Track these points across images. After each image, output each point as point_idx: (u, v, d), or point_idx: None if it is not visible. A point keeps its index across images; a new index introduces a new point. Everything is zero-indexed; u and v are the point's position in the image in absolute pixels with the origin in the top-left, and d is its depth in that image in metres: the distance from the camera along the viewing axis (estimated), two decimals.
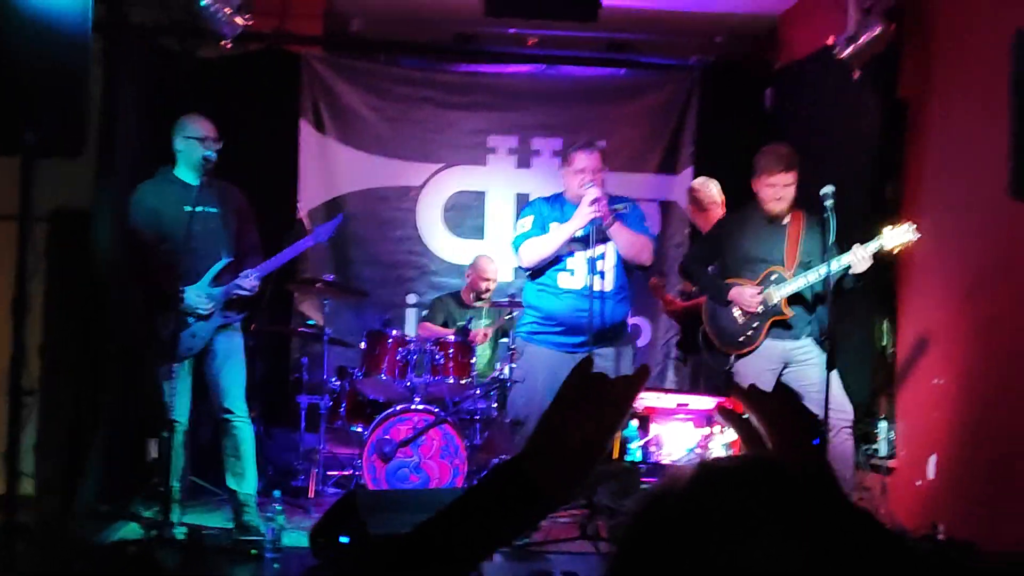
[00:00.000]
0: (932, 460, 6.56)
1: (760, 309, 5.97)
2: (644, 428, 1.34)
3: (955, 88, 6.56)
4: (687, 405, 1.39)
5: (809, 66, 8.07)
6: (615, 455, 1.38)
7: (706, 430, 1.39)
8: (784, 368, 6.06)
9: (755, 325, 6.01)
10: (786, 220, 6.12)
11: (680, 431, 1.33)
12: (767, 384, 6.04)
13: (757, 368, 6.03)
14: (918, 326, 6.91)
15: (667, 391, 1.47)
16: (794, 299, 6.01)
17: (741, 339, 6.06)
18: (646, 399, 1.41)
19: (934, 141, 6.79)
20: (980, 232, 6.19)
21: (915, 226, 5.81)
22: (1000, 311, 6.02)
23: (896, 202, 7.12)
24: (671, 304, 7.59)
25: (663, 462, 1.36)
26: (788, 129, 8.17)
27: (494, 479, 1.22)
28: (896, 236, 5.80)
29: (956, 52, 6.56)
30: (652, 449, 1.35)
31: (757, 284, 6.02)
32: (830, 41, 7.17)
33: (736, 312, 6.05)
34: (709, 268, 6.38)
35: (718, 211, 7.27)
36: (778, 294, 5.96)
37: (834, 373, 5.76)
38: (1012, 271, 5.89)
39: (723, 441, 1.38)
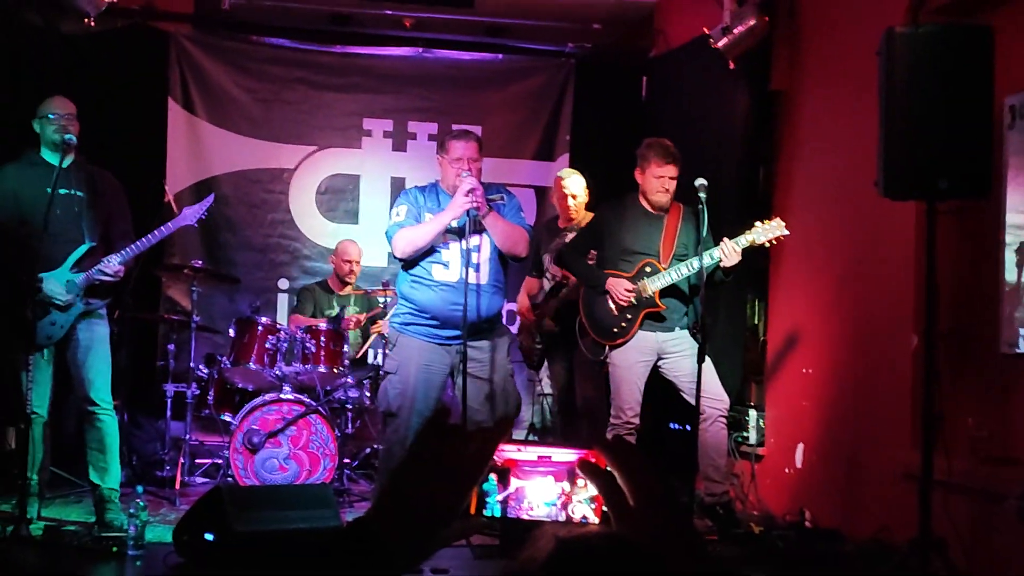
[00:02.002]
0: (800, 448, 6.69)
1: (634, 301, 5.99)
2: (504, 482, 1.30)
3: (825, 83, 6.67)
4: (549, 458, 1.35)
5: (684, 55, 8.12)
6: (472, 510, 1.34)
7: (567, 485, 1.35)
8: (658, 360, 6.10)
9: (629, 317, 6.03)
10: (664, 212, 6.15)
11: (541, 485, 1.30)
12: (642, 373, 6.07)
13: (631, 359, 6.06)
14: (788, 315, 7.02)
15: (528, 443, 1.44)
16: (668, 291, 6.04)
17: (615, 330, 6.08)
18: (506, 451, 1.37)
19: (805, 134, 6.90)
20: (849, 227, 6.31)
21: (784, 223, 5.89)
22: (867, 305, 6.14)
23: (768, 194, 7.22)
24: (529, 315, 7.38)
25: (523, 517, 1.32)
26: (663, 119, 8.22)
27: (344, 540, 1.15)
28: (766, 231, 5.88)
29: (827, 47, 6.66)
30: (512, 504, 1.31)
31: (632, 276, 6.04)
32: (706, 31, 7.22)
33: (611, 303, 6.06)
34: (589, 258, 6.38)
35: (564, 201, 7.19)
36: (652, 286, 5.99)
37: (709, 363, 5.82)
38: (879, 267, 6.02)
39: (585, 496, 1.35)
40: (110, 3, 7.04)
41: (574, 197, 7.13)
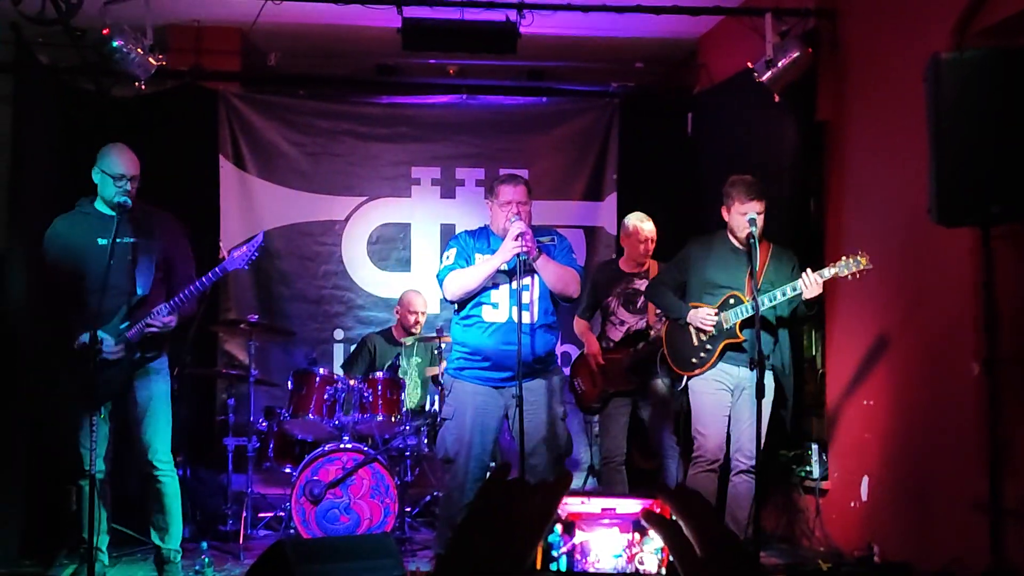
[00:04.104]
0: (865, 481, 6.59)
1: (715, 330, 5.94)
2: (569, 534, 1.29)
3: (872, 112, 6.62)
4: (614, 509, 1.33)
5: (729, 90, 8.11)
6: (538, 565, 1.32)
7: (634, 536, 1.34)
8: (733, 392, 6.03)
9: (708, 347, 5.98)
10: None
11: (607, 537, 1.28)
12: (722, 403, 5.99)
13: (711, 387, 6.00)
14: (846, 346, 6.94)
15: (591, 494, 1.43)
16: (748, 325, 5.93)
17: (694, 360, 6.04)
18: (569, 504, 1.36)
19: (854, 164, 6.85)
20: (903, 255, 6.23)
21: (868, 256, 5.74)
22: (926, 334, 6.06)
23: (819, 225, 7.16)
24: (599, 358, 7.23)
25: (589, 571, 1.30)
26: (710, 154, 8.20)
27: None
28: (850, 265, 5.72)
29: (872, 76, 6.62)
30: (578, 557, 1.29)
31: (716, 307, 5.99)
32: (749, 65, 7.21)
33: (693, 334, 6.03)
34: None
35: (640, 247, 7.13)
36: (733, 318, 5.93)
37: (752, 415, 5.74)
38: (936, 294, 5.94)
39: (652, 547, 1.33)
40: (160, 66, 7.16)
41: (653, 241, 7.12)
